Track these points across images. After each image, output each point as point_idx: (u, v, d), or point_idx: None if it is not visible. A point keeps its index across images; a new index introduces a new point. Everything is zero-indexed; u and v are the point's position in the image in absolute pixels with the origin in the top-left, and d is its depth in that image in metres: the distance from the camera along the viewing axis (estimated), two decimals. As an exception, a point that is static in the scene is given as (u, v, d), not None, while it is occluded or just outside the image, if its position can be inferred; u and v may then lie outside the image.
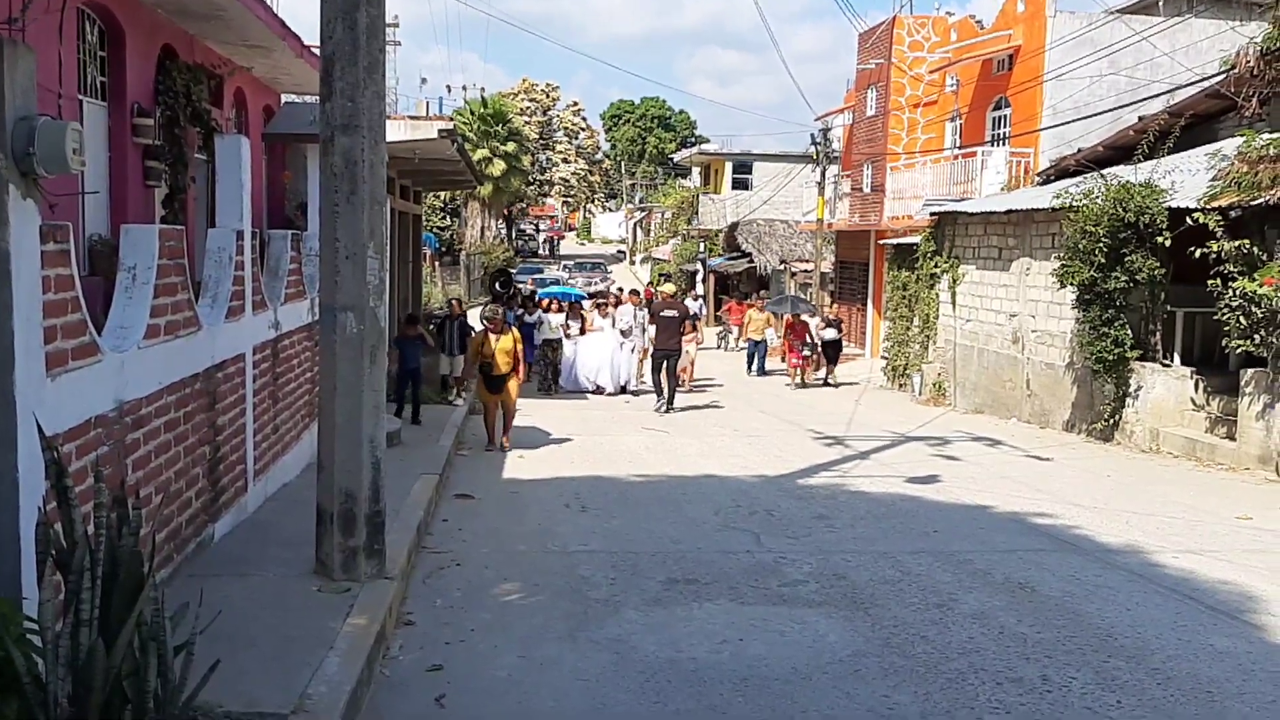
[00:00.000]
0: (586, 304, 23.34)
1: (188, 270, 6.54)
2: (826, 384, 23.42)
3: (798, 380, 22.99)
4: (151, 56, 10.60)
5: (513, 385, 13.02)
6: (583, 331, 20.46)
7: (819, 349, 23.66)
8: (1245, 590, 7.22)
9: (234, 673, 4.49)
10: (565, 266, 59.56)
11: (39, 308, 4.33)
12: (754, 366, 25.34)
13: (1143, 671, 5.66)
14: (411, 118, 17.81)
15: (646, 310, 20.33)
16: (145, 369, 5.71)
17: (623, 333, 20.24)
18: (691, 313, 20.18)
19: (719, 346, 31.74)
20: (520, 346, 13.09)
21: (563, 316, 20.55)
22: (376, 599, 6.06)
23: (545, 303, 21.84)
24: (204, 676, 4.00)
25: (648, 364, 18.98)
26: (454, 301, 19.17)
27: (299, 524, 7.12)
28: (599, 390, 19.79)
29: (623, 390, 19.87)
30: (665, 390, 17.15)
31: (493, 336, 12.88)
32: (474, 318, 20.82)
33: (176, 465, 6.27)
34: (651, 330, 18.41)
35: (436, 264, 42.85)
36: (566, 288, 32.87)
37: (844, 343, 25.17)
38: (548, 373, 19.88)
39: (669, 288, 21.35)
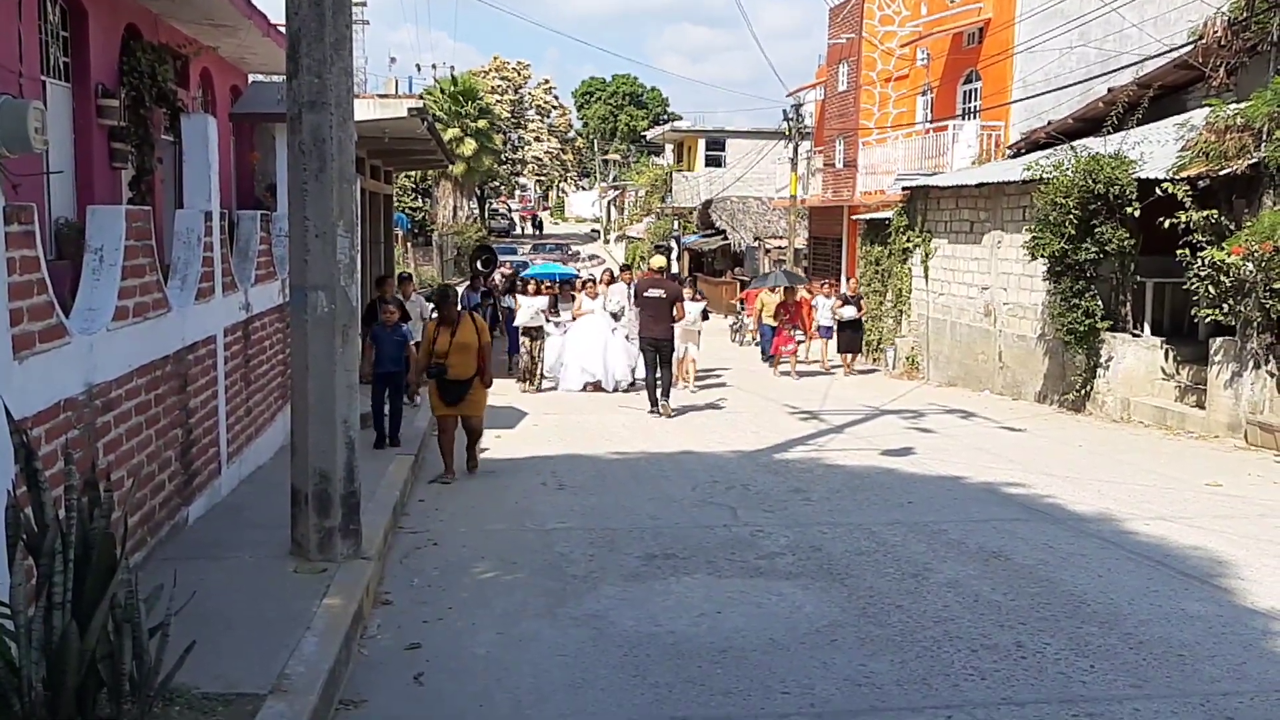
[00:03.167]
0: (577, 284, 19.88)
1: (156, 252, 6.48)
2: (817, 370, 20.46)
3: (784, 369, 19.77)
4: (115, 36, 10.44)
5: (478, 396, 9.94)
6: (573, 318, 17.42)
7: (833, 332, 20.54)
8: (1215, 555, 7.31)
9: (210, 654, 4.47)
10: (510, 249, 52.83)
11: (4, 290, 4.27)
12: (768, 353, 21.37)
13: (1115, 637, 5.73)
14: (381, 96, 17.63)
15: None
16: (114, 351, 5.66)
17: (614, 315, 17.07)
18: (684, 293, 16.23)
19: (732, 339, 27.13)
20: (487, 340, 10.01)
21: (544, 301, 17.25)
22: (353, 579, 6.05)
23: (525, 283, 18.51)
24: (180, 658, 3.99)
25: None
26: (388, 281, 13.38)
27: (273, 506, 7.09)
28: (595, 386, 16.80)
29: (616, 387, 16.80)
30: (660, 389, 14.25)
31: (445, 329, 9.77)
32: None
33: (148, 448, 6.23)
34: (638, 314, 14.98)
35: (409, 245, 42.59)
36: (553, 265, 30.56)
37: (864, 322, 21.08)
38: (531, 366, 16.95)
39: (659, 260, 16.90)
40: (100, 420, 5.45)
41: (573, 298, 18.04)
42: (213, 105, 13.62)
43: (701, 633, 5.79)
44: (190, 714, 4.19)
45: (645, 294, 14.50)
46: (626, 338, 16.82)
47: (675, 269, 41.57)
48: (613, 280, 18.46)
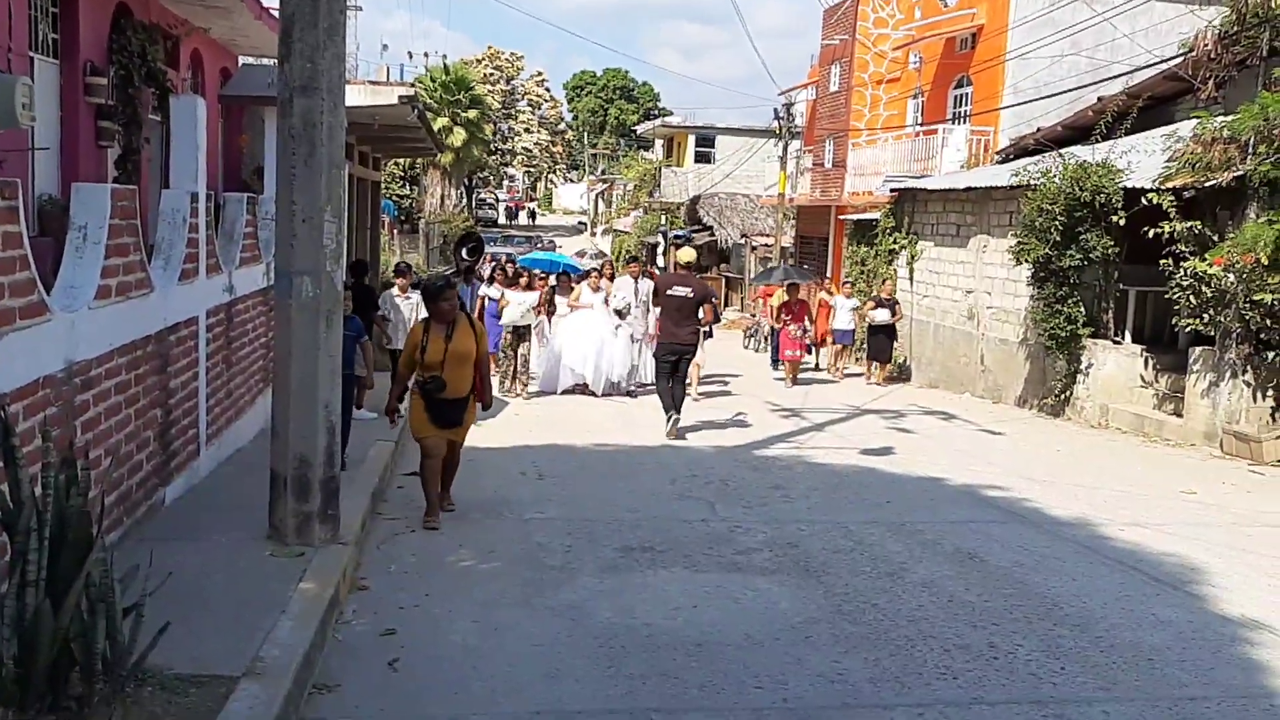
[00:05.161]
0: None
1: (140, 232, 6.45)
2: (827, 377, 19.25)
3: (779, 375, 18.54)
4: (105, 14, 10.39)
5: (470, 417, 8.03)
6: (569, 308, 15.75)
7: (852, 336, 19.48)
8: (1188, 562, 7.38)
9: (185, 635, 4.46)
10: (491, 239, 48.22)
11: (-15, 264, 4.26)
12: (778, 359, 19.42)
13: (1087, 640, 5.78)
14: (372, 83, 17.59)
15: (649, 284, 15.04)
16: (96, 330, 5.64)
17: (618, 313, 15.23)
18: (711, 293, 13.83)
19: (745, 345, 25.36)
20: (485, 349, 8.00)
21: (535, 297, 15.17)
22: (330, 564, 6.05)
23: (517, 274, 16.20)
24: (153, 639, 3.98)
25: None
26: (405, 275, 13.34)
27: (252, 489, 7.07)
28: (583, 389, 15.25)
29: (613, 390, 15.27)
30: (676, 402, 12.07)
31: (437, 330, 7.68)
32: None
33: (127, 428, 6.20)
34: (656, 313, 13.34)
35: (395, 232, 42.44)
36: (555, 254, 29.24)
37: (896, 329, 18.92)
38: (516, 369, 14.97)
39: (687, 254, 13.98)
40: (79, 398, 5.42)
41: (571, 289, 16.27)
42: (202, 86, 13.57)
43: (677, 626, 5.81)
44: (163, 695, 4.18)
45: (669, 292, 12.22)
46: (631, 337, 15.34)
47: (662, 263, 41.32)
48: (614, 275, 16.67)
